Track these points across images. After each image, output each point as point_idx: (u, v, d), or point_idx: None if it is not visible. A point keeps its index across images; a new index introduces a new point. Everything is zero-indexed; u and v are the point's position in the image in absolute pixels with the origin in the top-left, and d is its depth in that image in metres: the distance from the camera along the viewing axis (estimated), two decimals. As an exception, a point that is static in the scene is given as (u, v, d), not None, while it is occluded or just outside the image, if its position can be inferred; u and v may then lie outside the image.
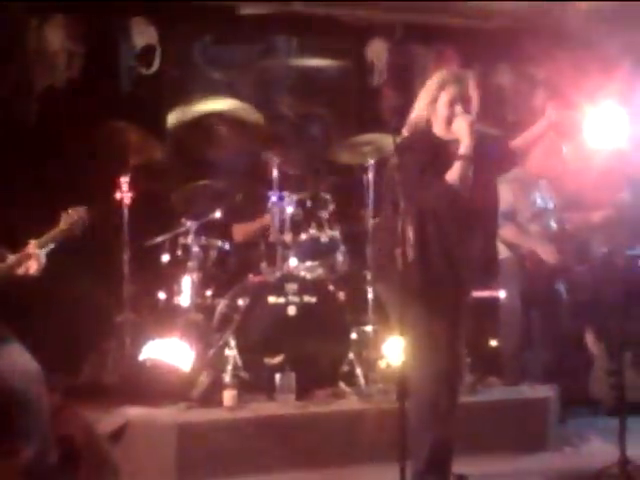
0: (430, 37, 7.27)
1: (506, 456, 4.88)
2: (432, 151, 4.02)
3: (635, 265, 6.16)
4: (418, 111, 4.15)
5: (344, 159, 6.03)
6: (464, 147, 3.93)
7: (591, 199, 6.07)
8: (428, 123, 4.11)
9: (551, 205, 5.99)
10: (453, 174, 3.92)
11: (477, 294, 5.81)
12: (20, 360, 4.27)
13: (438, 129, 4.09)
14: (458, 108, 4.01)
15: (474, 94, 4.09)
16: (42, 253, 4.33)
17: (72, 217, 4.43)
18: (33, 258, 4.29)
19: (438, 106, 4.06)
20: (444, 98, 4.05)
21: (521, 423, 5.11)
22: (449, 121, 4.03)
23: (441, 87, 4.08)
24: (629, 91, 6.42)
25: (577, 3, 6.90)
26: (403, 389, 3.84)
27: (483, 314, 5.95)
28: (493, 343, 6.01)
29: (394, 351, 5.03)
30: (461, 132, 3.96)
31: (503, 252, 5.84)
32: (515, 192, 5.83)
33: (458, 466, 4.36)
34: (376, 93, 7.16)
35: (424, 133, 4.11)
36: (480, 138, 4.02)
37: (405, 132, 4.17)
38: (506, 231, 5.80)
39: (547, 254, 5.77)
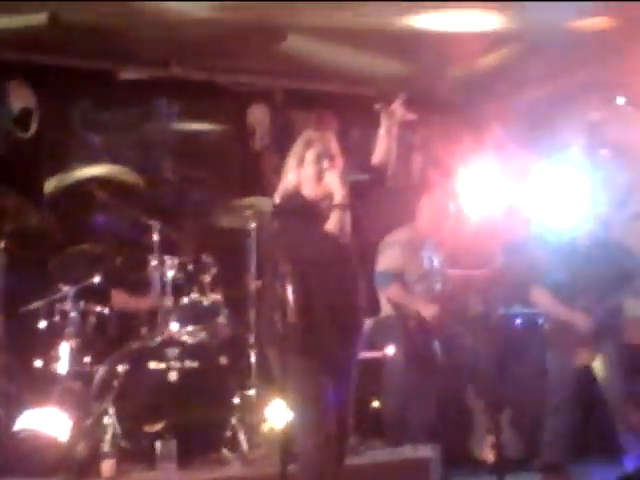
0: (309, 102, 7.37)
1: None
2: (304, 211, 4.13)
3: (511, 324, 6.31)
4: (288, 175, 4.26)
5: (226, 223, 6.01)
6: (338, 197, 4.05)
7: (468, 261, 6.20)
8: (297, 185, 4.21)
9: (438, 266, 6.09)
10: (331, 224, 4.04)
11: (361, 355, 5.87)
12: None
13: (308, 188, 4.18)
14: (325, 163, 4.14)
15: (336, 150, 4.23)
16: None
17: None
18: None
19: (305, 165, 4.18)
20: (310, 157, 4.17)
21: (404, 484, 5.11)
22: (318, 178, 4.15)
23: (306, 147, 4.21)
24: (501, 156, 6.60)
25: (449, 72, 7.10)
26: (286, 453, 3.83)
27: (365, 375, 5.97)
28: (375, 404, 6.01)
29: (277, 414, 4.97)
30: (333, 184, 4.09)
31: (388, 311, 5.90)
32: (404, 253, 5.94)
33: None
34: (258, 157, 7.20)
35: (293, 196, 4.21)
36: (354, 185, 4.19)
37: (277, 198, 4.27)
38: (393, 291, 5.89)
39: (429, 313, 5.86)
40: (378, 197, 7.14)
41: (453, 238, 6.29)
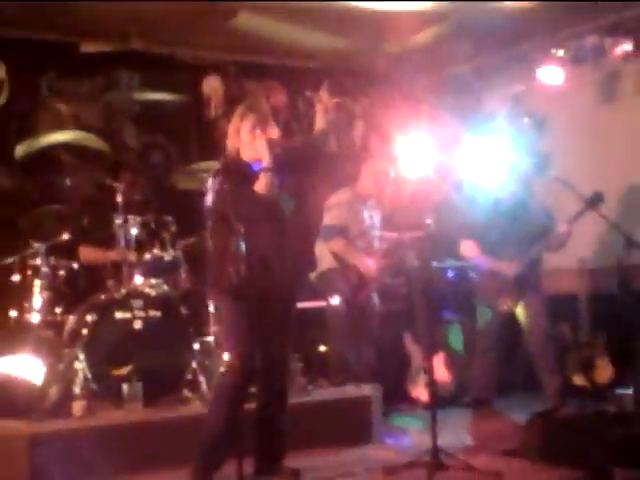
0: (260, 74, 7.33)
1: (335, 449, 4.93)
2: (240, 173, 4.29)
3: (444, 276, 6.40)
4: (229, 143, 4.42)
5: (184, 185, 6.00)
6: (265, 161, 4.24)
7: (403, 220, 6.27)
8: (237, 151, 4.37)
9: (377, 223, 6.16)
10: (260, 185, 4.20)
11: (306, 304, 5.94)
12: None
13: (246, 153, 4.35)
14: (257, 132, 4.31)
15: (268, 120, 4.39)
16: None
17: None
18: None
19: (242, 134, 4.35)
20: (245, 127, 4.34)
21: (348, 419, 5.17)
22: (252, 144, 4.31)
23: (241, 118, 4.38)
24: (434, 124, 6.65)
25: (385, 48, 7.12)
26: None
27: (312, 322, 6.05)
28: (322, 348, 6.09)
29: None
30: (261, 150, 4.27)
31: (331, 263, 5.95)
32: (348, 211, 6.00)
33: (291, 461, 4.43)
34: (213, 124, 7.16)
35: (233, 159, 4.38)
36: (287, 150, 4.42)
37: (221, 162, 4.49)
38: (337, 244, 5.95)
39: (366, 267, 5.92)
40: (323, 161, 7.22)
41: (392, 199, 6.35)
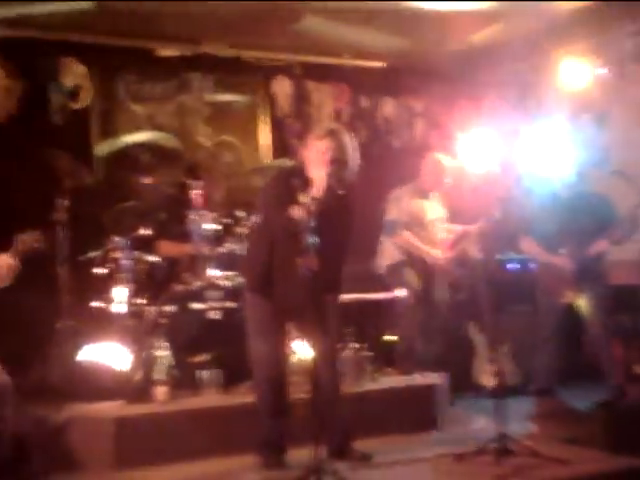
0: (325, 74, 7.40)
1: (402, 436, 4.95)
2: (294, 184, 4.14)
3: (507, 268, 6.39)
4: (302, 150, 4.36)
5: (255, 182, 6.09)
6: (315, 190, 4.09)
7: (467, 214, 6.27)
8: (306, 163, 4.28)
9: (442, 215, 6.17)
10: (301, 208, 4.01)
11: (374, 296, 5.99)
12: None
13: (310, 170, 4.24)
14: (326, 158, 4.15)
15: (348, 150, 4.23)
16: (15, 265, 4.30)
17: (26, 241, 4.39)
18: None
19: (310, 152, 4.25)
20: (319, 146, 4.22)
21: (415, 407, 5.18)
22: (314, 167, 4.19)
23: (321, 137, 4.25)
24: (496, 120, 6.64)
25: (448, 45, 7.11)
26: (315, 381, 3.95)
27: (380, 313, 6.09)
28: (389, 338, 6.12)
29: (304, 347, 5.07)
30: (317, 179, 4.14)
31: (397, 256, 5.99)
32: (409, 204, 6.00)
33: (361, 446, 4.48)
34: (280, 123, 7.25)
35: (296, 167, 4.33)
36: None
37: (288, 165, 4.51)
38: (401, 238, 5.96)
39: (433, 258, 5.95)
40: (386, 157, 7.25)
41: (454, 194, 6.36)
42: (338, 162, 4.18)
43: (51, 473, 4.34)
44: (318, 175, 4.16)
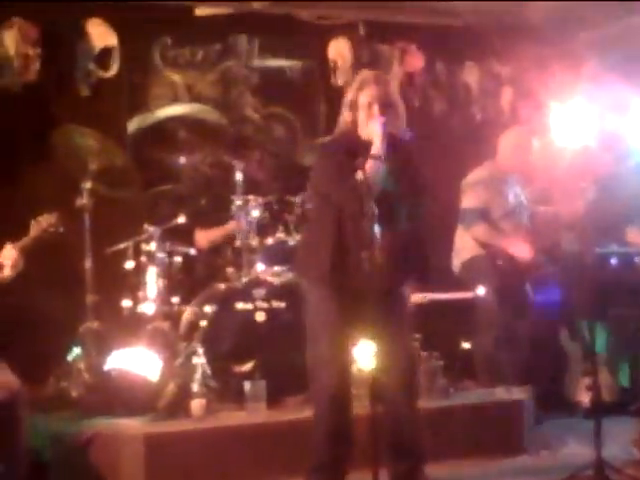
0: (394, 35, 7.35)
1: (481, 459, 4.93)
2: (350, 150, 4.18)
3: (607, 264, 6.26)
4: (343, 115, 4.35)
5: (310, 161, 6.07)
6: (374, 148, 4.13)
7: (559, 195, 6.18)
8: (353, 124, 4.29)
9: (524, 199, 6.10)
10: (365, 171, 4.03)
11: (448, 296, 5.94)
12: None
13: (361, 129, 4.26)
14: (375, 109, 4.18)
15: (396, 97, 4.30)
16: (20, 258, 4.37)
17: (42, 225, 4.46)
18: (7, 263, 4.33)
19: (359, 108, 4.25)
20: (363, 99, 4.23)
21: (496, 426, 5.15)
22: (367, 122, 4.21)
23: (360, 88, 4.27)
24: (595, 89, 6.51)
25: (541, 3, 6.99)
26: (375, 394, 3.93)
27: (455, 316, 6.04)
28: (466, 345, 6.06)
29: (365, 355, 5.05)
30: (373, 133, 4.16)
31: (475, 250, 5.94)
32: (488, 190, 5.94)
33: (433, 470, 4.43)
34: (341, 92, 7.20)
35: (345, 134, 4.31)
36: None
37: (333, 135, 4.41)
38: (478, 229, 5.92)
39: (520, 252, 5.88)
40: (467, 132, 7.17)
41: (543, 174, 6.27)
42: (387, 107, 4.22)
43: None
44: (372, 130, 4.18)
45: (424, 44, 7.37)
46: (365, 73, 4.41)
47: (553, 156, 6.07)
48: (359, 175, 4.02)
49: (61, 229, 4.55)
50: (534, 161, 6.13)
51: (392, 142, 4.19)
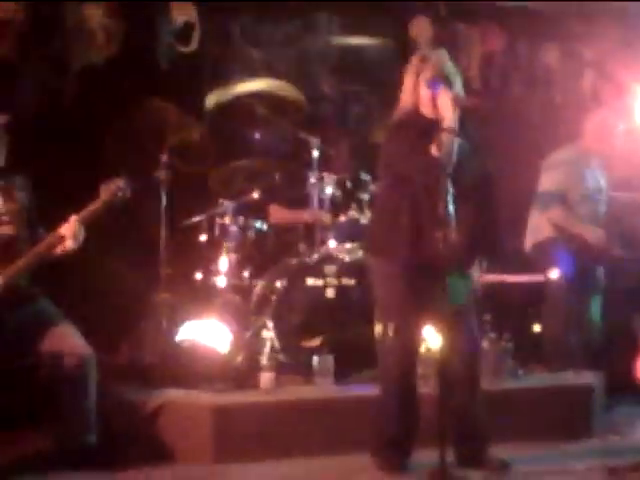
0: (474, 14, 7.27)
1: (548, 443, 4.87)
2: (419, 129, 4.23)
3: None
4: (404, 96, 4.39)
5: (382, 140, 6.04)
6: (447, 120, 4.15)
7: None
8: (415, 106, 4.33)
9: (604, 185, 6.01)
10: (438, 147, 4.12)
11: (518, 278, 5.89)
12: (71, 340, 4.39)
13: (425, 110, 4.30)
14: (440, 87, 4.21)
15: (453, 70, 4.34)
16: (81, 229, 4.43)
17: (110, 188, 4.53)
18: (69, 236, 4.39)
19: (421, 87, 4.28)
20: (423, 79, 4.28)
21: (565, 410, 5.11)
22: (434, 99, 4.23)
23: (419, 69, 4.33)
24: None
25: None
26: (442, 374, 3.95)
27: (525, 299, 5.99)
28: (537, 328, 6.02)
29: (433, 335, 5.04)
30: (444, 107, 4.17)
31: (550, 232, 5.88)
32: (568, 172, 5.87)
33: (500, 452, 4.43)
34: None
35: (410, 113, 4.34)
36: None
37: (396, 114, 4.43)
38: (554, 212, 5.86)
39: (594, 237, 5.80)
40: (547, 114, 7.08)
41: (626, 158, 6.16)
42: (450, 81, 4.28)
43: (139, 463, 4.49)
44: (443, 104, 4.19)
45: (505, 24, 7.28)
46: (420, 54, 4.47)
47: (636, 141, 5.97)
48: (433, 150, 4.09)
49: (128, 194, 4.60)
50: (618, 146, 6.02)
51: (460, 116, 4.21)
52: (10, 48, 5.86)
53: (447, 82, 4.25)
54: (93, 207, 4.52)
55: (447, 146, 4.11)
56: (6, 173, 4.58)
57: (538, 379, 5.44)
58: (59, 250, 4.45)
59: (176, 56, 6.41)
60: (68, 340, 4.41)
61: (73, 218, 4.46)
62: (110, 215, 4.64)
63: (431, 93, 4.23)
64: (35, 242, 4.48)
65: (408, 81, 4.37)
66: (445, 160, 4.09)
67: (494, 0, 7.23)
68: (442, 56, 4.39)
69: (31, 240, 4.51)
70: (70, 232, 4.43)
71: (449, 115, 4.15)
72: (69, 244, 4.44)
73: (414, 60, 4.40)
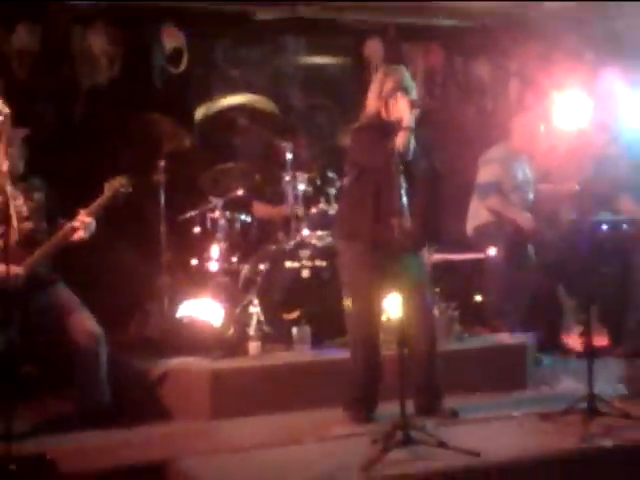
0: (418, 35, 7.24)
1: (490, 394, 4.89)
2: (380, 130, 4.25)
3: (599, 229, 6.17)
4: (369, 103, 4.41)
5: (347, 142, 6.00)
6: (405, 120, 4.18)
7: (559, 174, 6.09)
8: (378, 111, 4.35)
9: (531, 177, 6.02)
10: (398, 142, 4.13)
11: (463, 256, 5.90)
12: (81, 319, 4.35)
13: (388, 111, 4.31)
14: (399, 93, 4.24)
15: (410, 82, 4.40)
16: (92, 221, 4.38)
17: (114, 185, 4.51)
18: (81, 227, 4.34)
19: (384, 94, 4.31)
20: (387, 86, 4.31)
21: (503, 366, 5.11)
22: (393, 104, 4.25)
23: (384, 79, 4.35)
24: (591, 79, 6.39)
25: (544, 3, 6.84)
26: (402, 339, 3.94)
27: (469, 273, 6.00)
28: (478, 298, 6.03)
29: (392, 306, 5.03)
30: (402, 110, 4.21)
31: (488, 217, 5.89)
32: (501, 166, 5.88)
33: (448, 401, 4.46)
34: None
35: (373, 117, 4.38)
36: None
37: (361, 119, 4.47)
38: (491, 200, 5.88)
39: (524, 221, 5.81)
40: (479, 119, 7.07)
41: (546, 154, 6.17)
42: (408, 90, 4.32)
43: (147, 421, 4.48)
44: (402, 106, 4.21)
45: (443, 42, 7.26)
46: (386, 67, 4.52)
47: (554, 139, 5.98)
48: (391, 145, 4.08)
49: (129, 189, 4.55)
50: (540, 143, 6.04)
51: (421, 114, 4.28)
52: (28, 73, 5.82)
53: (405, 90, 4.28)
54: (99, 201, 4.50)
55: (405, 141, 4.14)
56: (25, 177, 4.54)
57: (480, 340, 5.44)
58: (75, 238, 4.41)
59: (168, 76, 6.36)
60: (81, 321, 4.38)
61: (82, 211, 4.42)
62: (117, 212, 4.61)
63: (392, 100, 4.25)
64: (53, 234, 4.44)
65: (373, 91, 4.39)
66: (404, 153, 4.12)
67: (433, 22, 7.20)
68: (401, 70, 4.43)
69: (49, 232, 4.47)
70: (81, 223, 4.39)
71: (407, 116, 4.18)
72: (81, 234, 4.41)
73: (379, 74, 4.42)
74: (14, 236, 4.22)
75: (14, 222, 4.23)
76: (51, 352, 4.68)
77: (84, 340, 4.32)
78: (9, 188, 4.05)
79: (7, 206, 3.96)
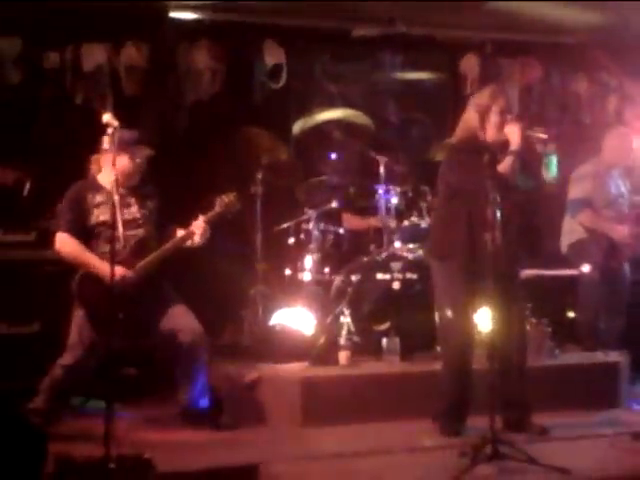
0: (515, 51, 7.12)
1: (581, 412, 4.77)
2: (477, 151, 4.12)
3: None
4: (466, 122, 4.32)
5: (441, 157, 5.95)
6: (514, 145, 4.12)
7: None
8: (478, 129, 4.25)
9: (624, 191, 5.85)
10: (504, 166, 4.08)
11: (557, 272, 5.77)
12: (186, 319, 4.41)
13: (490, 134, 4.22)
14: (508, 116, 4.20)
15: (515, 105, 4.38)
16: (207, 228, 4.49)
17: (224, 201, 4.56)
18: (197, 232, 4.43)
19: (491, 115, 4.21)
20: (496, 108, 4.20)
21: (595, 385, 4.99)
22: (500, 127, 4.18)
23: (492, 99, 4.24)
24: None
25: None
26: (493, 353, 3.90)
27: (562, 290, 5.86)
28: (571, 315, 5.88)
29: (483, 320, 4.95)
30: (512, 134, 4.15)
31: (582, 234, 5.75)
32: (592, 183, 5.73)
33: (538, 418, 4.36)
34: (469, 101, 7.04)
35: (471, 135, 4.29)
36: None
37: (456, 136, 4.38)
38: (584, 216, 5.73)
39: (618, 233, 5.65)
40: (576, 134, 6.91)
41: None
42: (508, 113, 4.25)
43: (242, 425, 4.52)
44: (511, 132, 4.15)
45: (541, 58, 7.12)
46: (495, 87, 4.41)
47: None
48: (500, 168, 4.03)
49: (238, 206, 4.61)
50: (635, 157, 5.85)
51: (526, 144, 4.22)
52: (136, 88, 5.96)
53: (513, 114, 4.24)
54: (215, 212, 4.54)
55: (513, 166, 4.09)
56: (140, 186, 4.64)
57: (572, 357, 5.33)
58: (189, 244, 4.48)
59: (268, 91, 6.40)
60: (187, 322, 4.43)
61: (201, 217, 4.49)
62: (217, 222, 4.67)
63: (500, 121, 4.18)
64: (163, 240, 4.51)
65: (479, 107, 4.28)
66: (510, 178, 4.08)
67: (532, 38, 7.07)
68: (507, 92, 4.44)
69: (160, 238, 4.54)
70: (199, 229, 4.46)
71: (516, 141, 4.12)
72: (197, 239, 4.48)
73: (484, 95, 4.32)
74: (122, 242, 4.32)
75: (121, 229, 4.30)
76: (153, 355, 4.78)
77: (189, 340, 4.36)
78: (118, 196, 4.09)
79: (114, 214, 4.02)
